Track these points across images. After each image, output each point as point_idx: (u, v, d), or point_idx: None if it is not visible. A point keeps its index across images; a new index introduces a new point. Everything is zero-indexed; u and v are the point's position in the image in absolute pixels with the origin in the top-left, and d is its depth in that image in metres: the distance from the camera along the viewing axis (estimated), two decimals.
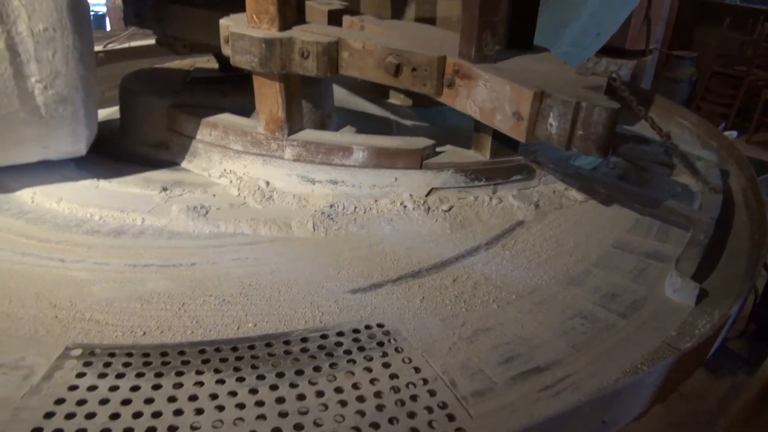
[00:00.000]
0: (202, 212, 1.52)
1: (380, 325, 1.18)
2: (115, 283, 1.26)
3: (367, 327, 1.17)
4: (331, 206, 1.57)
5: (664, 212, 1.57)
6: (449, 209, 1.59)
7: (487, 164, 1.66)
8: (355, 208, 1.57)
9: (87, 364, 1.02)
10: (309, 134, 1.67)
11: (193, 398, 0.96)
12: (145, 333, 1.12)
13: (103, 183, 1.66)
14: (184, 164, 1.83)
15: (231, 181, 1.69)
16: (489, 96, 1.41)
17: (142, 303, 1.20)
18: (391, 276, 1.34)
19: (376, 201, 1.59)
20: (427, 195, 1.62)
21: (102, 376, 1.00)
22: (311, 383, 1.01)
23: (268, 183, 1.66)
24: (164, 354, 1.06)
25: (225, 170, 1.72)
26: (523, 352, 1.11)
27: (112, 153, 1.88)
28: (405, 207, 1.58)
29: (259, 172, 1.69)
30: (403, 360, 1.08)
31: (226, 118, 1.74)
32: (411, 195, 1.61)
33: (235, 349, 1.09)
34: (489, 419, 0.95)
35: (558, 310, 1.25)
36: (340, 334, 1.14)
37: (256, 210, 1.58)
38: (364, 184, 1.62)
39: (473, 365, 1.07)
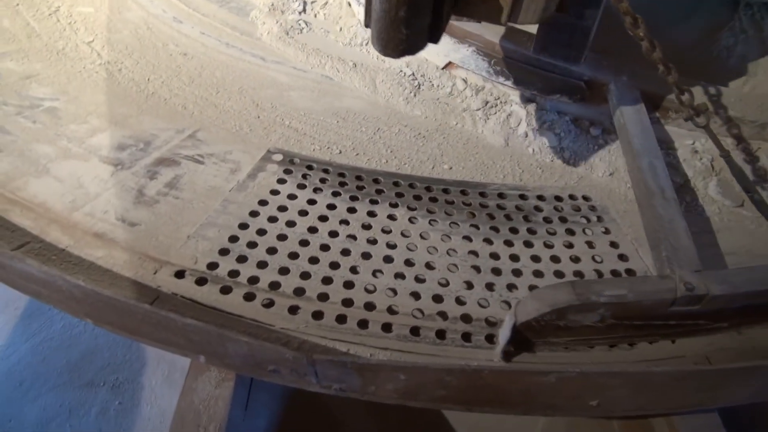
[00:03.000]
0: (294, 33, 1.34)
1: (586, 198, 1.05)
2: (313, 93, 1.22)
3: (572, 197, 1.05)
4: (411, 75, 1.23)
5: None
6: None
7: (521, 59, 1.10)
8: (433, 84, 1.21)
9: (287, 171, 1.03)
10: None
11: (386, 231, 0.94)
12: (341, 152, 1.09)
13: None
14: None
15: None
16: None
17: (338, 120, 1.16)
18: None
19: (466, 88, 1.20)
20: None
21: (301, 186, 1.00)
22: (506, 244, 0.94)
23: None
24: (359, 178, 1.03)
25: None
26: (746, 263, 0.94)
27: None
28: (508, 119, 1.17)
29: None
30: (609, 243, 0.96)
31: None
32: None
33: (429, 189, 1.03)
34: None
35: None
36: (540, 198, 1.04)
37: (341, 49, 1.32)
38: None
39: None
